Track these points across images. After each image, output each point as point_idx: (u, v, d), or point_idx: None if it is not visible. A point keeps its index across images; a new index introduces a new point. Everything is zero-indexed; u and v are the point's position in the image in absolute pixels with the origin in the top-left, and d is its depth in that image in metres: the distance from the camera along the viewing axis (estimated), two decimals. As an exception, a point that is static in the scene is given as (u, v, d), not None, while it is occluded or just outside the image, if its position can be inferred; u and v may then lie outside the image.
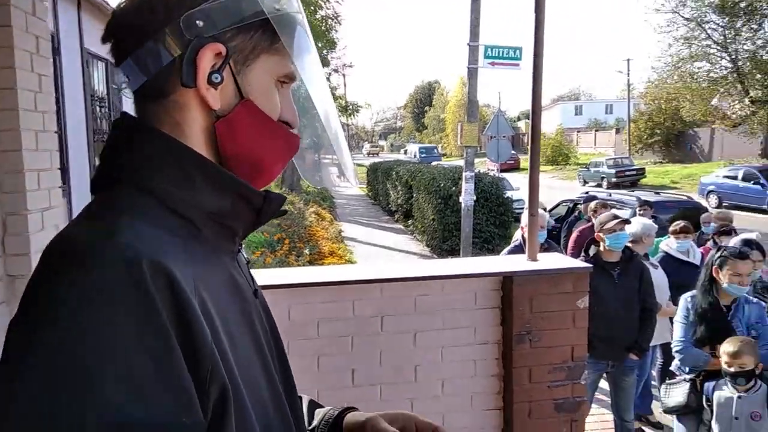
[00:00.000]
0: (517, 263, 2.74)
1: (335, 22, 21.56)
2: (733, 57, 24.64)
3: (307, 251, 10.03)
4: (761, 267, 4.04)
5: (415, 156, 40.54)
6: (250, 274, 0.82)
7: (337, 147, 0.89)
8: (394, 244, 13.81)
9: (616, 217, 3.93)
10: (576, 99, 71.00)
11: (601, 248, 3.97)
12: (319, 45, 20.05)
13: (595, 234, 4.04)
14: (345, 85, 39.32)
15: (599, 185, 26.48)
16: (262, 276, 2.55)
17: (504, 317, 2.65)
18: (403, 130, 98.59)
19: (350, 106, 30.14)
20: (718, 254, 3.42)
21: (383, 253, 12.79)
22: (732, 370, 2.99)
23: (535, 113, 2.75)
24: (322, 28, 19.98)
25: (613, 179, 26.68)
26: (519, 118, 68.38)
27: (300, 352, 2.44)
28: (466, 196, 10.28)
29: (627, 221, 4.10)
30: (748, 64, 24.24)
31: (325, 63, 25.74)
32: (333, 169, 1.02)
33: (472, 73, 9.64)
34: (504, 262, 2.82)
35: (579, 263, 2.75)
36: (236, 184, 0.70)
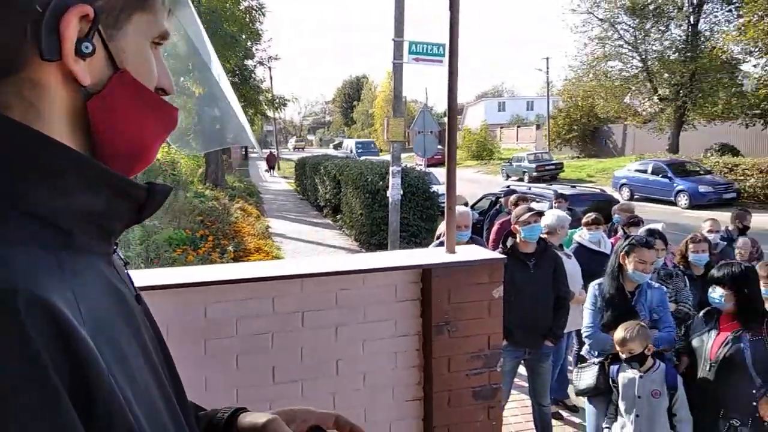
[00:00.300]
0: (436, 256, 2.80)
1: (259, 14, 21.11)
2: (643, 57, 26.13)
3: (231, 248, 9.81)
4: (664, 255, 4.31)
5: (351, 152, 38.45)
6: (129, 278, 0.72)
7: (231, 105, 0.80)
8: (322, 240, 13.75)
9: (530, 209, 4.09)
10: (499, 95, 73.13)
11: (518, 240, 4.13)
12: (243, 37, 19.58)
13: (512, 226, 4.19)
14: (271, 78, 38.62)
15: (521, 179, 27.47)
16: (176, 275, 2.48)
17: (424, 309, 2.70)
18: (332, 124, 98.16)
19: (277, 100, 29.65)
20: (626, 242, 3.64)
21: (311, 248, 12.72)
22: (624, 356, 3.20)
23: (451, 108, 2.82)
24: (246, 19, 19.51)
25: (534, 173, 27.77)
26: (446, 114, 69.61)
27: (217, 351, 2.39)
28: (394, 191, 10.38)
29: (541, 213, 4.27)
30: (656, 63, 25.78)
31: (249, 55, 25.17)
32: (227, 132, 0.93)
33: (398, 69, 9.72)
34: (423, 255, 2.87)
35: (494, 254, 2.84)
36: (111, 177, 0.60)
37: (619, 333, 3.20)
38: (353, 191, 13.05)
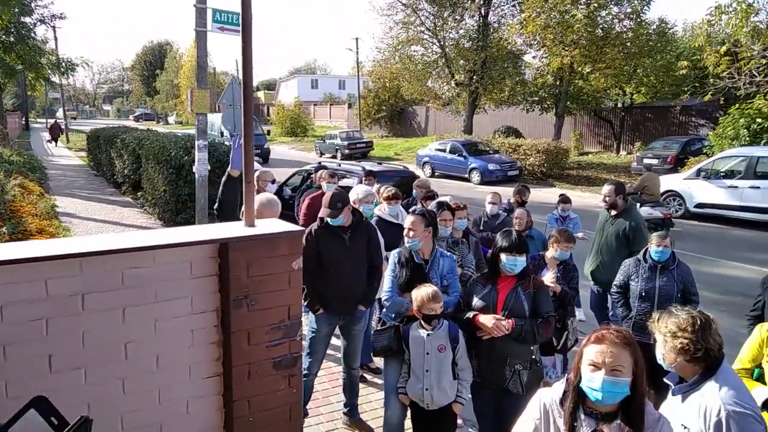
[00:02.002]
0: (234, 230, 2.75)
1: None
2: (442, 44, 28.00)
3: (6, 230, 8.56)
4: (451, 224, 4.74)
5: (222, 135, 30.02)
6: None
7: None
8: (120, 219, 12.67)
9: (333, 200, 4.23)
10: (312, 73, 73.35)
11: None
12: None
13: None
14: (56, 39, 34.34)
15: (334, 156, 28.07)
16: None
17: (222, 284, 2.65)
18: (131, 93, 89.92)
19: (63, 63, 26.29)
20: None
21: (108, 228, 11.67)
22: (422, 314, 3.50)
23: (246, 80, 2.77)
24: (21, -32, 16.92)
25: (346, 151, 28.57)
26: (258, 89, 68.04)
27: (-24, 343, 2.10)
28: (200, 166, 9.92)
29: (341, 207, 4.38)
30: (453, 50, 27.82)
31: (27, 11, 21.98)
32: None
33: (201, 37, 9.22)
34: (221, 230, 2.79)
35: (293, 227, 2.87)
36: None
37: (427, 291, 3.47)
38: (155, 166, 12.19)
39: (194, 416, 2.64)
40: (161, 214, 12.24)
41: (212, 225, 3.02)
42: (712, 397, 2.18)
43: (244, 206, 2.87)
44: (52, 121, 42.56)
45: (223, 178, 3.77)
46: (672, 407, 2.38)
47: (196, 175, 10.01)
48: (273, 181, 6.79)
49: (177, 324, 2.56)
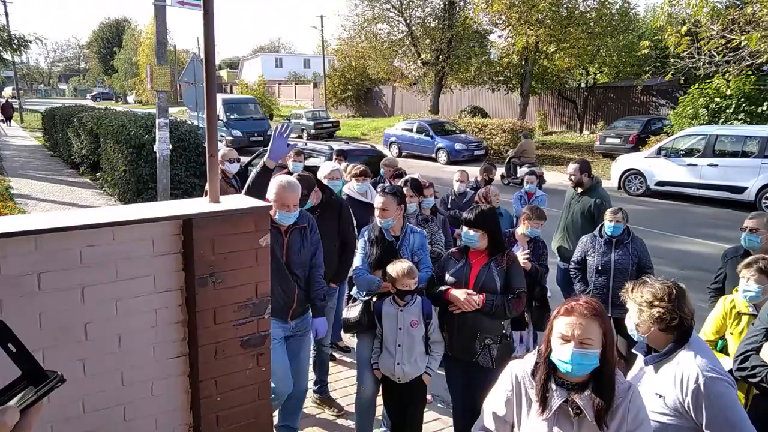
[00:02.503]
0: (198, 206, 2.65)
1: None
2: (408, 22, 27.76)
3: (-44, 212, 8.22)
4: (416, 201, 4.72)
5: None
6: None
7: None
8: (79, 200, 12.29)
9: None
10: (276, 51, 72.09)
11: None
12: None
13: None
14: (6, 14, 32.88)
15: (300, 136, 27.72)
16: None
17: (186, 262, 2.56)
18: (88, 72, 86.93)
19: (15, 40, 25.17)
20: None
21: (66, 209, 11.30)
22: (396, 289, 3.48)
23: (208, 53, 2.65)
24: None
25: (312, 131, 28.26)
26: (221, 67, 66.57)
27: None
28: (162, 145, 9.67)
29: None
30: (419, 29, 27.62)
31: (-27, -18, 20.92)
32: None
33: (160, 11, 8.91)
34: (184, 206, 2.69)
35: (259, 203, 2.79)
36: None
37: (402, 266, 3.44)
38: (114, 146, 11.83)
39: (159, 397, 2.57)
40: (121, 194, 11.92)
41: (175, 201, 2.92)
42: (688, 365, 2.20)
43: (208, 183, 2.78)
44: (3, 100, 41.02)
45: (257, 169, 3.55)
46: (643, 377, 2.41)
47: (157, 155, 9.75)
48: (237, 160, 6.63)
49: (139, 303, 2.47)
